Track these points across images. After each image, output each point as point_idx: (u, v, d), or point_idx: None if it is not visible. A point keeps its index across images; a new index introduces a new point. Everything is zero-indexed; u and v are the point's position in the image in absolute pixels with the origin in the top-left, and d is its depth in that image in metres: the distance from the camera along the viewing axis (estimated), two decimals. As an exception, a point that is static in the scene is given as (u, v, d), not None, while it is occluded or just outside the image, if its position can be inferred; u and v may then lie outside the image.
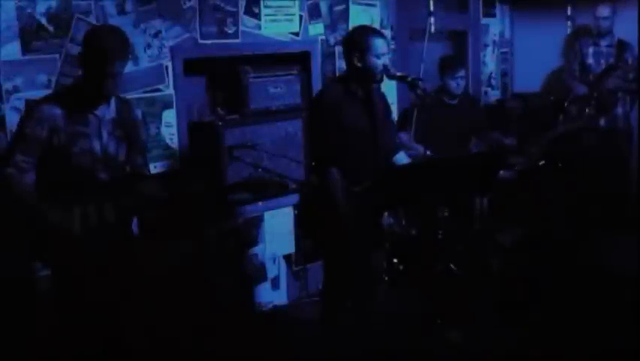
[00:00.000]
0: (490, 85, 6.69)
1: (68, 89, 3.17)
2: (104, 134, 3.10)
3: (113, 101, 3.14)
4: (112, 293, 3.14)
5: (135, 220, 4.18)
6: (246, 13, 4.68)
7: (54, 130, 2.98)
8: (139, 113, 3.33)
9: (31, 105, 3.12)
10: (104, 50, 2.96)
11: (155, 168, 4.30)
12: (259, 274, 4.95)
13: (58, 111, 2.99)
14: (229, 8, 4.58)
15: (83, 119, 3.05)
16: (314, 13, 5.05)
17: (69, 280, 3.05)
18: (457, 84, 5.28)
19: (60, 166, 3.01)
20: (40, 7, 3.77)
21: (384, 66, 3.71)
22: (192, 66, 4.47)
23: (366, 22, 5.12)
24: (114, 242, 3.11)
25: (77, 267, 3.01)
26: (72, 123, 3.02)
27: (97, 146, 3.08)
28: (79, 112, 3.04)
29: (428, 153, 4.55)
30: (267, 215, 4.93)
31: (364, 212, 3.69)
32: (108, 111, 3.12)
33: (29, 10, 3.74)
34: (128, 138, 3.18)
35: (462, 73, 5.31)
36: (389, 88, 5.30)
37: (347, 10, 5.24)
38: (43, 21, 3.78)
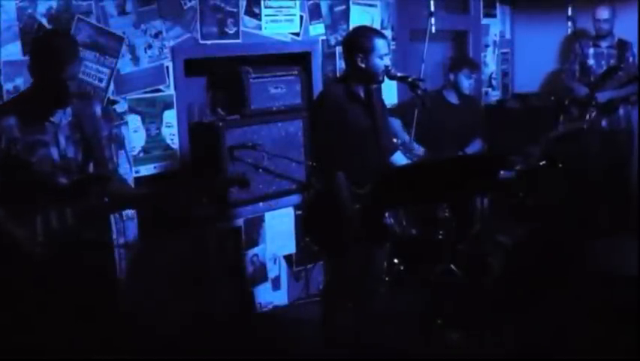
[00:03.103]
0: (490, 85, 6.70)
1: (23, 97, 3.12)
2: (62, 140, 3.06)
3: (70, 107, 3.09)
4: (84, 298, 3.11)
5: (135, 221, 4.22)
6: (246, 13, 4.68)
7: (10, 141, 2.95)
8: (98, 108, 3.21)
9: None
10: (53, 56, 2.92)
11: (155, 168, 4.32)
12: (260, 274, 4.96)
13: (12, 122, 2.96)
14: (230, 9, 4.59)
15: (40, 126, 3.01)
16: (314, 13, 5.06)
17: (37, 293, 3.02)
18: (469, 84, 5.31)
19: (18, 175, 2.98)
20: (41, 8, 3.78)
21: (386, 67, 3.72)
22: (193, 66, 4.47)
23: (366, 22, 5.13)
24: (82, 245, 3.08)
25: (42, 278, 2.99)
26: (28, 132, 2.98)
27: (55, 152, 3.04)
28: (34, 120, 3.00)
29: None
30: (267, 215, 4.93)
31: (368, 214, 3.69)
32: (64, 115, 3.07)
33: (30, 11, 3.75)
34: (86, 139, 3.11)
35: (476, 75, 5.36)
36: (389, 88, 5.31)
37: (347, 10, 5.24)
38: (44, 22, 3.79)
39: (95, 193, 3.09)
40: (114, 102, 4.10)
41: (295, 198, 5.00)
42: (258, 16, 4.74)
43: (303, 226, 4.36)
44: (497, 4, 6.68)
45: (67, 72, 2.93)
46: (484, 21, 6.55)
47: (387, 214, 4.35)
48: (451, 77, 5.34)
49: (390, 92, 5.44)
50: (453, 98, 5.36)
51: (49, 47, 2.97)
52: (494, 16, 6.67)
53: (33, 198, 2.99)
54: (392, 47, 5.40)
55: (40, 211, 2.99)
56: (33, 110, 3.01)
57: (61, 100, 3.02)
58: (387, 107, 4.37)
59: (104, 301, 3.21)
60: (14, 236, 2.94)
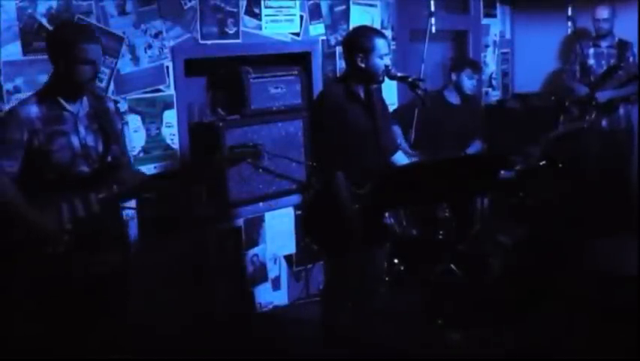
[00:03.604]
0: (490, 85, 6.70)
1: (42, 90, 3.19)
2: (81, 130, 3.13)
3: (85, 98, 3.17)
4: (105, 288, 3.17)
5: (135, 221, 4.22)
6: (246, 13, 4.68)
7: (32, 132, 3.01)
8: (112, 105, 3.35)
9: (9, 111, 3.15)
10: (66, 36, 3.02)
11: (154, 168, 4.32)
12: (260, 274, 4.96)
13: (34, 114, 3.02)
14: (230, 9, 4.59)
15: (59, 117, 3.08)
16: (314, 13, 5.06)
17: (65, 282, 3.06)
18: (472, 84, 5.29)
19: (41, 165, 3.04)
20: (41, 8, 3.78)
21: (386, 67, 3.72)
22: (193, 66, 4.48)
23: (366, 22, 5.12)
24: (105, 233, 3.16)
25: (75, 266, 3.06)
26: (49, 123, 3.05)
27: (75, 141, 3.11)
28: (53, 111, 3.07)
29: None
30: (267, 215, 4.93)
31: (368, 214, 3.69)
32: (82, 107, 3.15)
33: (30, 11, 3.75)
34: (104, 130, 3.21)
35: (478, 76, 5.36)
36: (389, 88, 5.31)
37: (347, 10, 5.24)
38: (44, 22, 3.79)
39: (115, 182, 3.17)
40: (114, 102, 4.09)
41: (295, 198, 5.00)
42: (258, 16, 4.74)
43: (303, 226, 4.36)
44: (497, 4, 6.68)
45: (80, 52, 2.99)
46: (484, 21, 6.55)
47: (387, 214, 4.36)
48: (453, 77, 5.31)
49: (390, 92, 5.43)
50: (453, 99, 5.34)
51: (63, 31, 3.10)
52: (494, 16, 6.67)
53: (56, 187, 3.04)
54: (392, 47, 5.40)
55: (64, 199, 3.03)
56: (52, 102, 3.08)
57: (78, 83, 3.06)
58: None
59: (120, 296, 3.29)
60: (40, 225, 2.99)
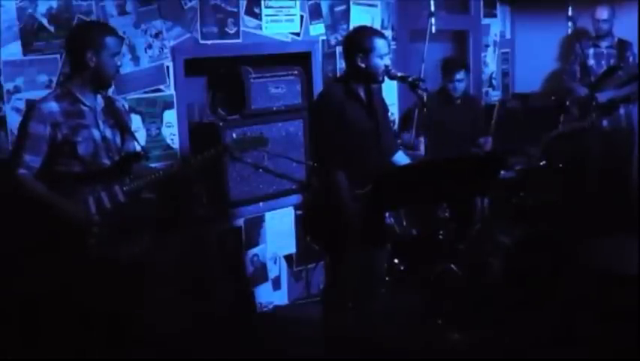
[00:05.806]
0: (491, 85, 6.69)
1: (60, 88, 3.28)
2: (100, 124, 3.24)
3: (99, 95, 3.27)
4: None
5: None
6: (246, 13, 4.69)
7: (55, 125, 3.10)
8: (121, 104, 3.49)
9: (30, 107, 3.23)
10: (95, 31, 3.19)
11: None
12: (260, 274, 4.95)
13: (55, 108, 3.11)
14: (230, 8, 4.59)
15: (79, 112, 3.18)
16: (315, 13, 5.06)
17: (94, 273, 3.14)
18: (454, 87, 5.26)
19: (66, 158, 3.13)
20: (41, 8, 3.79)
21: (386, 67, 3.72)
22: (193, 66, 4.47)
23: (367, 22, 5.11)
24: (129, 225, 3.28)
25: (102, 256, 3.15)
26: (70, 117, 3.14)
27: (97, 134, 3.21)
28: (73, 106, 3.17)
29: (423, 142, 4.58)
30: (267, 215, 4.93)
31: (368, 213, 3.69)
32: (97, 103, 3.26)
33: (30, 11, 3.75)
34: (119, 125, 3.33)
35: (460, 75, 5.27)
36: (389, 88, 5.31)
37: (348, 10, 5.24)
38: (44, 21, 3.79)
39: (136, 173, 3.31)
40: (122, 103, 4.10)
41: (295, 198, 5.00)
42: (258, 16, 4.74)
43: (304, 226, 4.36)
44: (498, 4, 6.67)
45: (110, 44, 3.15)
46: (485, 21, 6.55)
47: (387, 214, 4.36)
48: (443, 81, 5.32)
49: (390, 92, 5.44)
50: (450, 99, 5.33)
51: (88, 29, 3.30)
52: (495, 16, 6.67)
53: (81, 179, 3.15)
54: (392, 47, 5.40)
55: (90, 191, 3.14)
56: (71, 98, 3.17)
57: (108, 76, 3.21)
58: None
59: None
60: (71, 216, 3.08)
